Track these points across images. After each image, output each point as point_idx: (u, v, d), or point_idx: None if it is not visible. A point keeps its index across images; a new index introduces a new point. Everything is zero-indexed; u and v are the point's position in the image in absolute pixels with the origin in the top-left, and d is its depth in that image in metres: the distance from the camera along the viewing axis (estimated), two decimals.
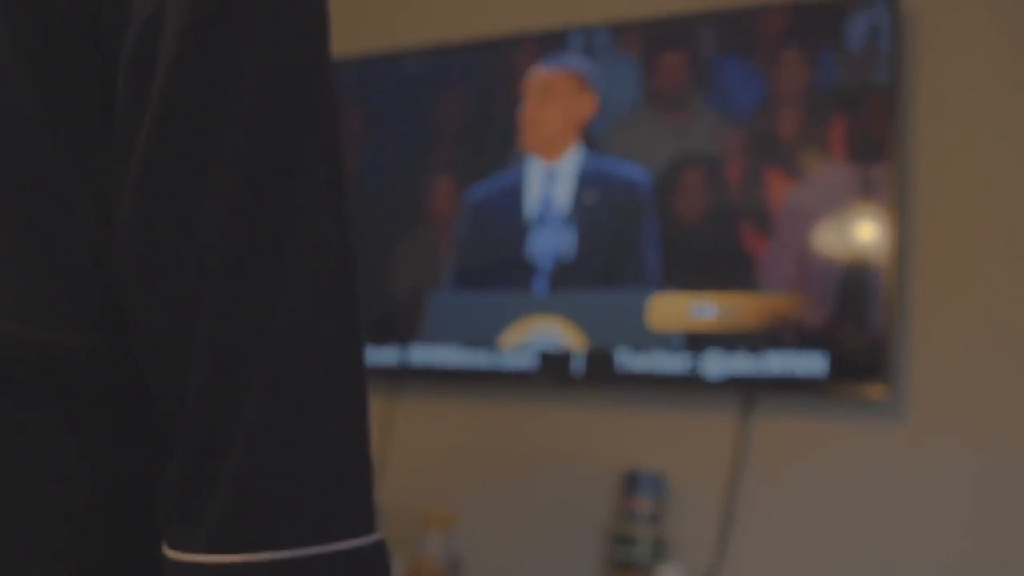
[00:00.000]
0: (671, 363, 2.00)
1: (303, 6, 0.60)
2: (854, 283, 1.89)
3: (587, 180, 2.15)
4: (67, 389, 0.58)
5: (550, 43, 2.24)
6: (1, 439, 0.56)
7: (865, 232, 1.90)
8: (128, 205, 0.57)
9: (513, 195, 2.22)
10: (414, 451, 2.29)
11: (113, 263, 0.58)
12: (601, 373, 2.06)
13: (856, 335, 1.87)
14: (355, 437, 0.60)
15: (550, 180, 2.18)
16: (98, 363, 0.59)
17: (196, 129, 0.57)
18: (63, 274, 0.59)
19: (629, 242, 2.09)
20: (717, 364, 1.96)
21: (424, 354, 2.23)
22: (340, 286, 0.60)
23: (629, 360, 2.03)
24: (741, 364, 1.94)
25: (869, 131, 1.92)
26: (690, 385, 2.00)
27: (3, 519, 0.56)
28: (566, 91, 2.20)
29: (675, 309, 2.02)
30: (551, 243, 2.16)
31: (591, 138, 2.16)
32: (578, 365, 2.08)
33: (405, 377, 2.28)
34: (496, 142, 2.26)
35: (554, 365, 2.11)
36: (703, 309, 2.00)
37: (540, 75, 2.23)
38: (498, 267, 2.22)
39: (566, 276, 2.13)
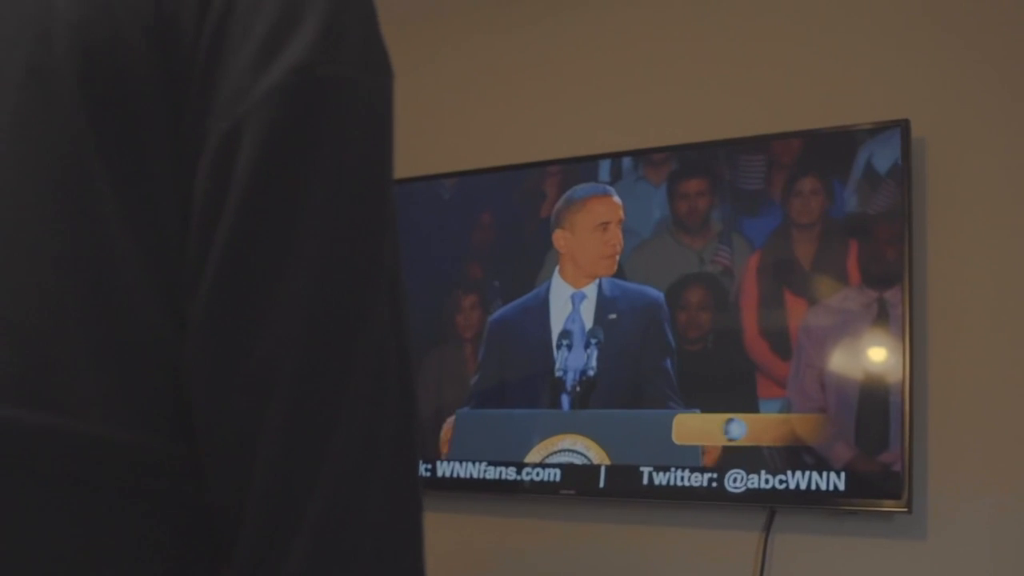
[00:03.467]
0: (694, 478, 2.02)
1: (374, 124, 0.63)
2: (872, 403, 1.92)
3: (610, 301, 2.20)
4: (145, 491, 0.59)
5: (578, 169, 2.32)
6: (79, 539, 0.56)
7: (882, 354, 1.94)
8: (198, 315, 0.59)
9: (538, 315, 2.27)
10: (438, 563, 2.29)
11: (183, 369, 0.59)
12: (624, 487, 2.09)
13: (875, 453, 1.90)
14: (409, 552, 0.60)
15: (574, 301, 2.24)
16: (175, 466, 0.60)
17: (268, 243, 0.58)
18: (142, 379, 0.60)
19: (651, 361, 2.13)
20: (739, 480, 1.99)
21: (451, 469, 2.27)
22: (399, 402, 0.61)
23: (653, 475, 2.06)
24: (763, 480, 1.97)
25: (883, 255, 1.97)
26: (713, 500, 2.02)
27: None
28: (593, 219, 2.28)
29: (698, 427, 2.06)
30: (575, 362, 2.20)
31: (616, 262, 2.23)
32: (602, 479, 2.11)
33: (430, 488, 2.29)
34: (524, 264, 2.33)
35: (578, 479, 2.13)
36: (725, 428, 2.03)
37: (568, 203, 2.31)
38: (522, 385, 2.26)
39: (590, 395, 2.17)
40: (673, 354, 2.11)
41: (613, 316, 2.19)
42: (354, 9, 0.64)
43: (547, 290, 2.29)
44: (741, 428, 2.01)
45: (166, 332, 0.60)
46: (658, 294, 2.16)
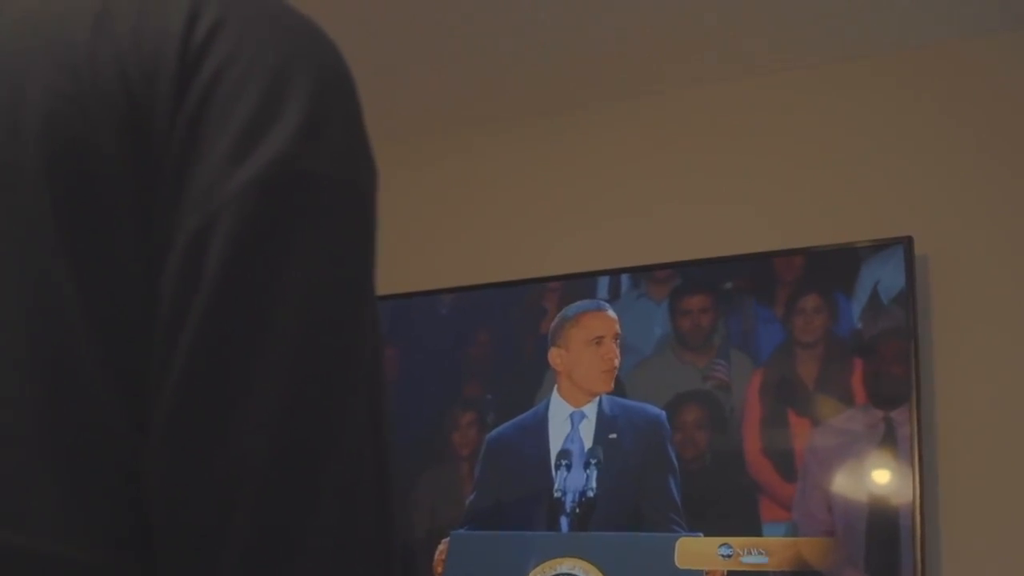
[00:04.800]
0: None
1: (355, 222, 0.60)
2: (882, 526, 1.88)
3: (610, 419, 2.17)
4: None
5: (578, 286, 2.30)
6: None
7: (890, 475, 1.90)
8: (160, 421, 0.55)
9: (537, 433, 2.23)
10: None
11: (143, 478, 0.56)
12: None
13: None
14: None
15: (573, 420, 2.20)
16: None
17: (235, 347, 0.56)
18: (95, 489, 0.57)
19: (653, 481, 2.09)
20: None
21: None
22: (376, 520, 0.58)
23: None
24: None
25: (889, 374, 1.95)
26: None
27: None
28: (586, 334, 2.25)
29: (701, 551, 2.00)
30: (574, 482, 2.16)
31: (617, 381, 2.19)
32: None
33: None
34: (523, 381, 2.30)
35: None
36: (730, 552, 1.98)
37: (568, 320, 2.29)
38: (520, 506, 2.21)
39: (589, 516, 2.12)
40: (676, 474, 2.07)
41: (613, 435, 2.15)
42: (338, 101, 0.62)
43: (546, 408, 2.25)
44: (748, 553, 1.96)
45: (127, 441, 0.57)
46: (659, 412, 2.12)
